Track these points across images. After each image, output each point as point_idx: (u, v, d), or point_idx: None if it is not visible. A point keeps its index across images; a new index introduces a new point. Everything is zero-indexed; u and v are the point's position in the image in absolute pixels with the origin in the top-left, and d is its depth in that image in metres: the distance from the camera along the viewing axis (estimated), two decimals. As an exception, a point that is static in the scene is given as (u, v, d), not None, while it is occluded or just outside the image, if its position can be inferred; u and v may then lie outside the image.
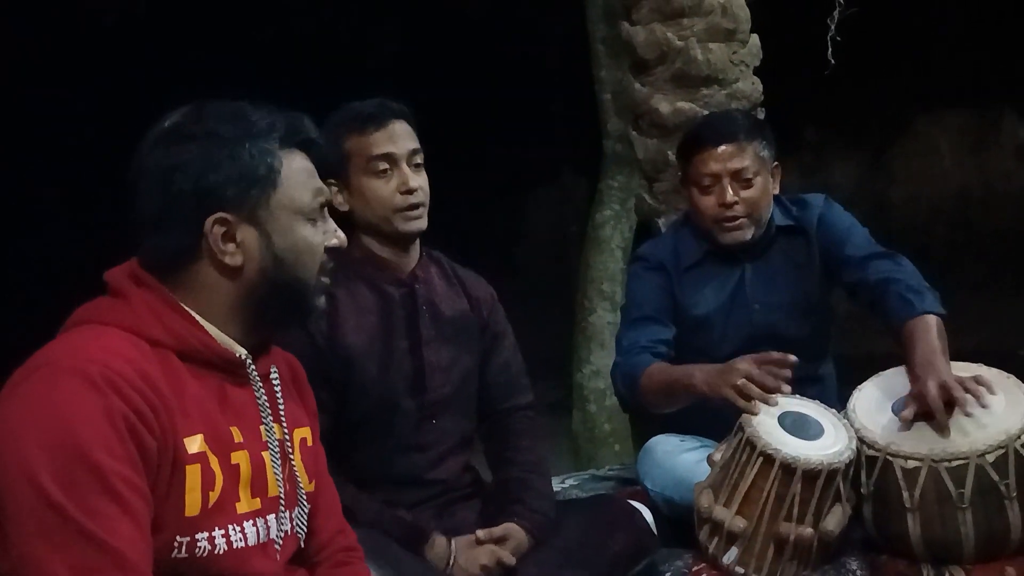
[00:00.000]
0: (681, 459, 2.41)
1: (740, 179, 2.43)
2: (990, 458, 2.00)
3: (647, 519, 2.22)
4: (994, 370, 2.21)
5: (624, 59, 3.46)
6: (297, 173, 1.38)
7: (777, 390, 2.11)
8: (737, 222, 2.44)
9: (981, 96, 8.28)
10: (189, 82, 1.44)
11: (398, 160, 2.07)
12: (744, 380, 2.12)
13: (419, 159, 2.11)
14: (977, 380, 2.10)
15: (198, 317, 1.34)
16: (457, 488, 2.19)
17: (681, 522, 2.28)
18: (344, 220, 2.13)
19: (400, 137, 2.09)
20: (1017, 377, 2.20)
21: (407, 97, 2.17)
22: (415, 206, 2.08)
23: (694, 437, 2.51)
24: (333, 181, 2.08)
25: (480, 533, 2.02)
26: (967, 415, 2.06)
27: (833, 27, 3.37)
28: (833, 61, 3.37)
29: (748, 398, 2.12)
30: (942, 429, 2.06)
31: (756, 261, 2.54)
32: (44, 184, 7.57)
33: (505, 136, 8.27)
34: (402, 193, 2.07)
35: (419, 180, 2.09)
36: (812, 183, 7.89)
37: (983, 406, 2.07)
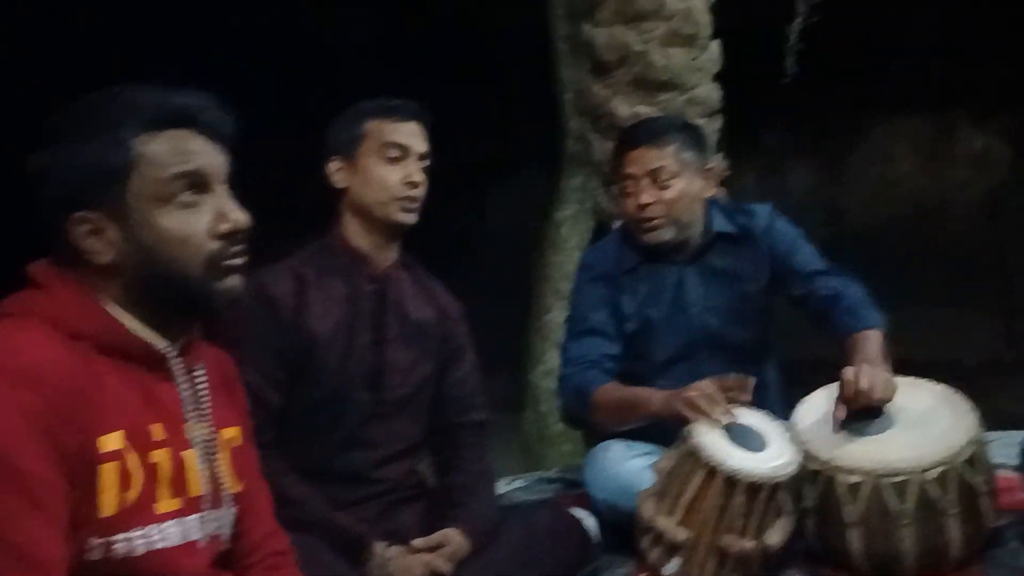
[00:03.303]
0: (627, 466, 2.40)
1: (657, 180, 2.46)
2: (932, 475, 2.01)
3: (589, 526, 2.21)
4: (940, 385, 2.23)
5: (585, 60, 3.44)
6: (158, 157, 1.30)
7: (728, 412, 2.13)
8: (654, 222, 2.47)
9: (937, 105, 8.36)
10: (150, 73, 1.39)
11: (410, 154, 2.13)
12: (698, 395, 2.13)
13: (426, 164, 2.17)
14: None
15: (117, 311, 1.31)
16: (401, 489, 2.18)
17: (624, 529, 2.26)
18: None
19: (417, 136, 2.16)
20: (968, 385, 2.22)
21: (369, 90, 2.19)
22: (414, 199, 2.13)
23: (642, 443, 2.50)
24: (338, 158, 2.16)
25: (417, 542, 2.00)
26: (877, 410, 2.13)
27: (793, 37, 3.38)
28: (793, 70, 3.38)
29: (698, 411, 2.13)
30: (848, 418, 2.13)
31: (695, 264, 2.57)
32: None
33: (466, 131, 8.22)
34: (405, 184, 2.11)
35: (423, 179, 2.15)
36: (768, 186, 7.94)
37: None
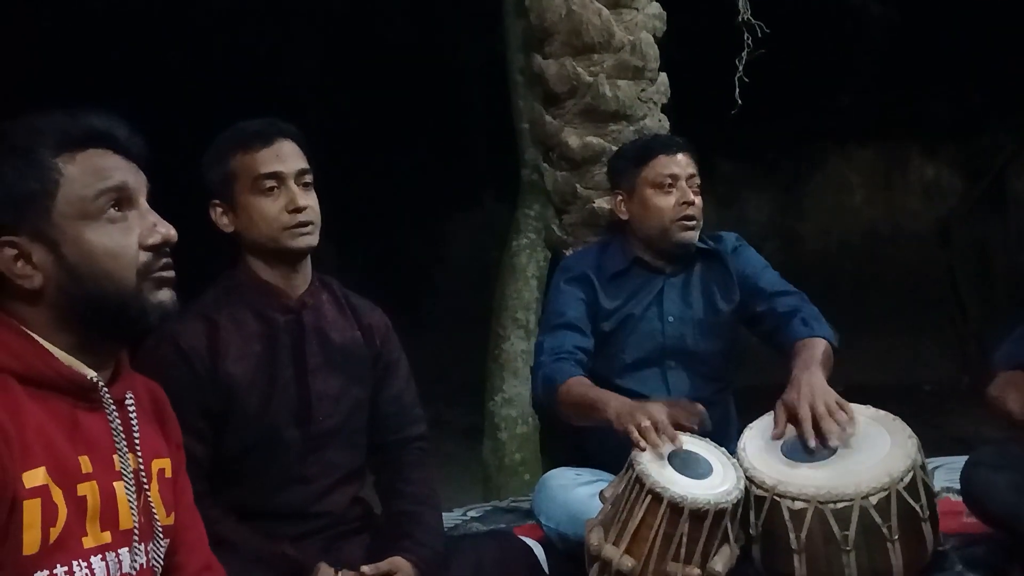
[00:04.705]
0: (575, 494, 2.41)
1: (693, 186, 2.62)
2: (873, 500, 2.04)
3: (539, 556, 2.20)
4: (881, 412, 2.26)
5: (538, 90, 3.47)
6: (81, 176, 1.32)
7: (673, 439, 2.14)
8: (693, 222, 2.60)
9: (889, 136, 8.53)
10: (102, 100, 1.40)
11: (285, 179, 2.02)
12: (648, 423, 2.13)
13: (308, 179, 2.06)
14: (841, 406, 2.20)
15: (42, 340, 1.31)
16: (345, 521, 2.13)
17: (574, 558, 2.27)
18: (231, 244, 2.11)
19: (288, 156, 2.04)
20: (922, 411, 2.26)
21: (328, 120, 2.14)
22: (304, 223, 2.02)
23: (591, 470, 2.52)
24: (218, 202, 2.06)
25: (365, 569, 1.97)
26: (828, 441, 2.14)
27: (741, 68, 3.43)
28: (740, 102, 3.44)
29: (644, 439, 2.13)
30: (808, 438, 2.14)
31: (677, 276, 2.67)
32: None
33: (427, 159, 8.24)
34: (290, 212, 2.01)
35: (308, 199, 2.04)
36: (726, 215, 8.02)
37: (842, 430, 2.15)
